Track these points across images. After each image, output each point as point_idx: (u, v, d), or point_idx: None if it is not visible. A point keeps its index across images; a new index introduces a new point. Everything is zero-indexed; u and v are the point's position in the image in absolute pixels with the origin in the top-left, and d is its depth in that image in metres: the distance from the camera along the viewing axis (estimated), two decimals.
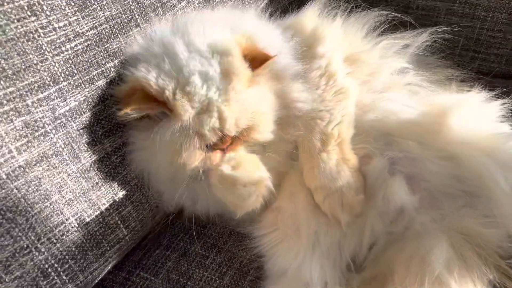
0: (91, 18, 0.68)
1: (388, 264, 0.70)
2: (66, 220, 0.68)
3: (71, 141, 0.67)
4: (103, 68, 0.71)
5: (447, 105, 0.75)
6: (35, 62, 0.61)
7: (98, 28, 0.69)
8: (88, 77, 0.69)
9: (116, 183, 0.75)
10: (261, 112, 0.69)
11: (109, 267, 0.79)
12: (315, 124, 0.75)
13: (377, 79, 0.81)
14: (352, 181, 0.73)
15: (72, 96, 0.67)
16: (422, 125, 0.74)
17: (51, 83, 0.64)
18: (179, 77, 0.65)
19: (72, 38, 0.66)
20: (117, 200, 0.75)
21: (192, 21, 0.73)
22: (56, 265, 0.67)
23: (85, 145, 0.70)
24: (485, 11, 1.04)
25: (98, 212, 0.73)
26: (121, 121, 0.70)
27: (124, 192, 0.77)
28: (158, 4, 0.80)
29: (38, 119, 0.63)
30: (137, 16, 0.76)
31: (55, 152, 0.65)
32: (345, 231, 0.74)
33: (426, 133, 0.73)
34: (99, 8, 0.69)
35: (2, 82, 0.58)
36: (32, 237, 0.64)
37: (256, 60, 0.66)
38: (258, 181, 0.66)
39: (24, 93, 0.61)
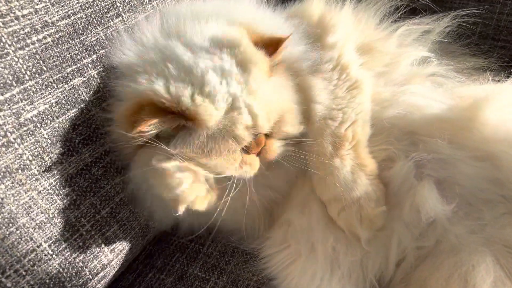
0: (62, 6, 0.60)
1: (422, 284, 0.62)
2: (38, 247, 0.60)
3: (41, 152, 0.59)
4: (78, 65, 0.63)
5: (480, 96, 0.67)
6: None
7: (72, 18, 0.62)
8: (60, 75, 0.61)
9: (98, 199, 0.67)
10: (288, 103, 0.64)
11: None
12: (325, 126, 0.68)
13: (396, 71, 0.74)
14: (371, 190, 0.66)
15: (41, 98, 0.59)
16: (451, 121, 0.67)
17: (13, 82, 0.55)
18: (192, 79, 0.58)
19: (39, 28, 0.58)
20: (99, 219, 0.67)
21: (184, 18, 0.65)
22: None
23: (59, 156, 0.61)
24: None
25: (77, 235, 0.65)
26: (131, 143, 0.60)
27: (108, 209, 0.69)
28: None
29: None
30: (118, 4, 0.69)
31: (21, 166, 0.57)
32: (367, 248, 0.67)
33: (457, 130, 0.66)
34: None
35: None
36: None
37: (270, 45, 0.61)
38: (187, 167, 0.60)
39: None
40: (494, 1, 0.97)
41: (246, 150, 0.62)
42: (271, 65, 0.62)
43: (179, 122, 0.56)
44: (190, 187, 0.59)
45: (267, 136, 0.63)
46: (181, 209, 0.59)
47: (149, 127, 0.54)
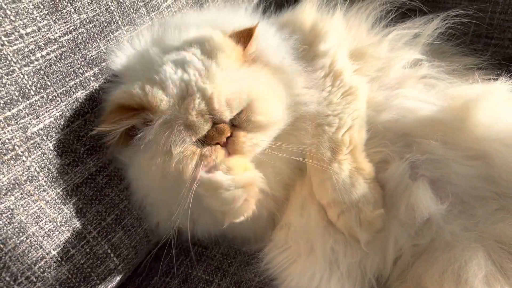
0: (64, 22, 0.62)
1: (417, 281, 0.63)
2: (47, 254, 0.61)
3: (48, 163, 0.61)
4: (81, 78, 0.64)
5: (470, 97, 0.68)
6: None
7: (73, 33, 0.63)
8: (64, 89, 0.62)
9: (103, 207, 0.68)
10: (262, 92, 0.62)
11: None
12: (322, 132, 0.68)
13: (388, 75, 0.75)
14: (369, 193, 0.67)
15: (46, 112, 0.60)
16: (444, 122, 0.67)
17: (20, 98, 0.57)
18: (149, 73, 0.60)
19: (42, 45, 0.59)
20: (105, 226, 0.69)
21: (168, 27, 0.68)
22: None
23: (65, 166, 0.63)
24: None
25: (84, 241, 0.66)
26: (107, 145, 0.63)
27: (113, 216, 0.70)
28: (141, 4, 0.73)
29: (7, 141, 0.56)
30: (117, 18, 0.70)
31: (29, 178, 0.59)
32: (367, 250, 0.67)
33: (450, 131, 0.67)
34: (73, 10, 0.63)
35: None
36: (7, 278, 0.56)
37: (243, 37, 0.62)
38: (246, 183, 0.59)
39: None
40: (486, 0, 0.98)
41: (208, 142, 0.59)
42: (246, 54, 0.62)
43: (140, 116, 0.58)
44: (243, 204, 0.59)
45: (236, 127, 0.61)
46: (227, 223, 0.60)
47: (111, 125, 0.57)
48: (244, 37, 0.62)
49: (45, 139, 0.60)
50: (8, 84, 0.55)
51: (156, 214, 0.71)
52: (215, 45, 0.60)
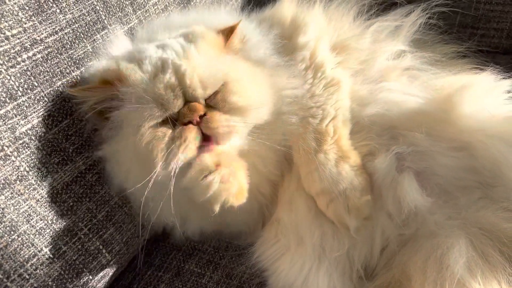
0: (50, 23, 0.62)
1: (402, 268, 0.64)
2: (39, 251, 0.62)
3: (37, 162, 0.61)
4: (68, 78, 0.65)
5: (453, 89, 0.69)
6: None
7: (59, 33, 0.63)
8: (51, 89, 0.63)
9: (93, 204, 0.69)
10: (240, 75, 0.63)
11: None
12: (307, 123, 0.69)
13: (372, 67, 0.75)
14: (356, 181, 0.67)
15: (34, 112, 0.61)
16: (428, 114, 0.68)
17: (7, 99, 0.57)
18: (133, 53, 0.63)
19: (28, 46, 0.60)
20: (96, 223, 0.70)
21: (158, 28, 0.70)
22: None
23: (55, 165, 0.63)
24: None
25: (76, 238, 0.67)
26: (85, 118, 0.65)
27: (103, 213, 0.71)
28: (127, 2, 0.73)
29: None
30: (103, 17, 0.70)
31: (19, 177, 0.59)
32: (355, 237, 0.68)
33: (434, 123, 0.68)
34: (58, 10, 0.63)
35: None
36: (0, 276, 0.57)
37: (226, 32, 0.64)
38: (213, 165, 0.58)
39: None
40: None
41: (180, 123, 0.58)
42: (228, 46, 0.64)
43: (113, 91, 0.58)
44: (220, 187, 0.57)
45: (211, 107, 0.60)
46: (217, 208, 0.58)
47: (83, 92, 0.60)
48: (227, 32, 0.64)
49: (33, 139, 0.60)
50: None
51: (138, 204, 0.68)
52: (197, 33, 0.63)
